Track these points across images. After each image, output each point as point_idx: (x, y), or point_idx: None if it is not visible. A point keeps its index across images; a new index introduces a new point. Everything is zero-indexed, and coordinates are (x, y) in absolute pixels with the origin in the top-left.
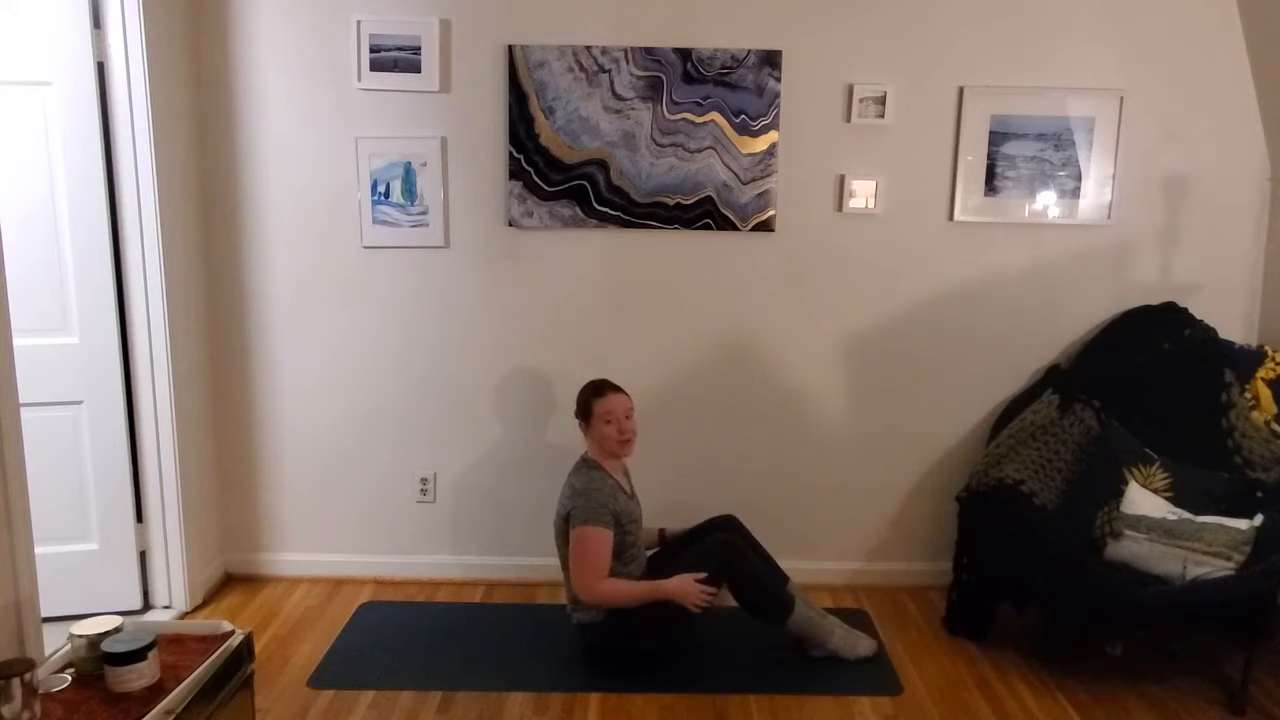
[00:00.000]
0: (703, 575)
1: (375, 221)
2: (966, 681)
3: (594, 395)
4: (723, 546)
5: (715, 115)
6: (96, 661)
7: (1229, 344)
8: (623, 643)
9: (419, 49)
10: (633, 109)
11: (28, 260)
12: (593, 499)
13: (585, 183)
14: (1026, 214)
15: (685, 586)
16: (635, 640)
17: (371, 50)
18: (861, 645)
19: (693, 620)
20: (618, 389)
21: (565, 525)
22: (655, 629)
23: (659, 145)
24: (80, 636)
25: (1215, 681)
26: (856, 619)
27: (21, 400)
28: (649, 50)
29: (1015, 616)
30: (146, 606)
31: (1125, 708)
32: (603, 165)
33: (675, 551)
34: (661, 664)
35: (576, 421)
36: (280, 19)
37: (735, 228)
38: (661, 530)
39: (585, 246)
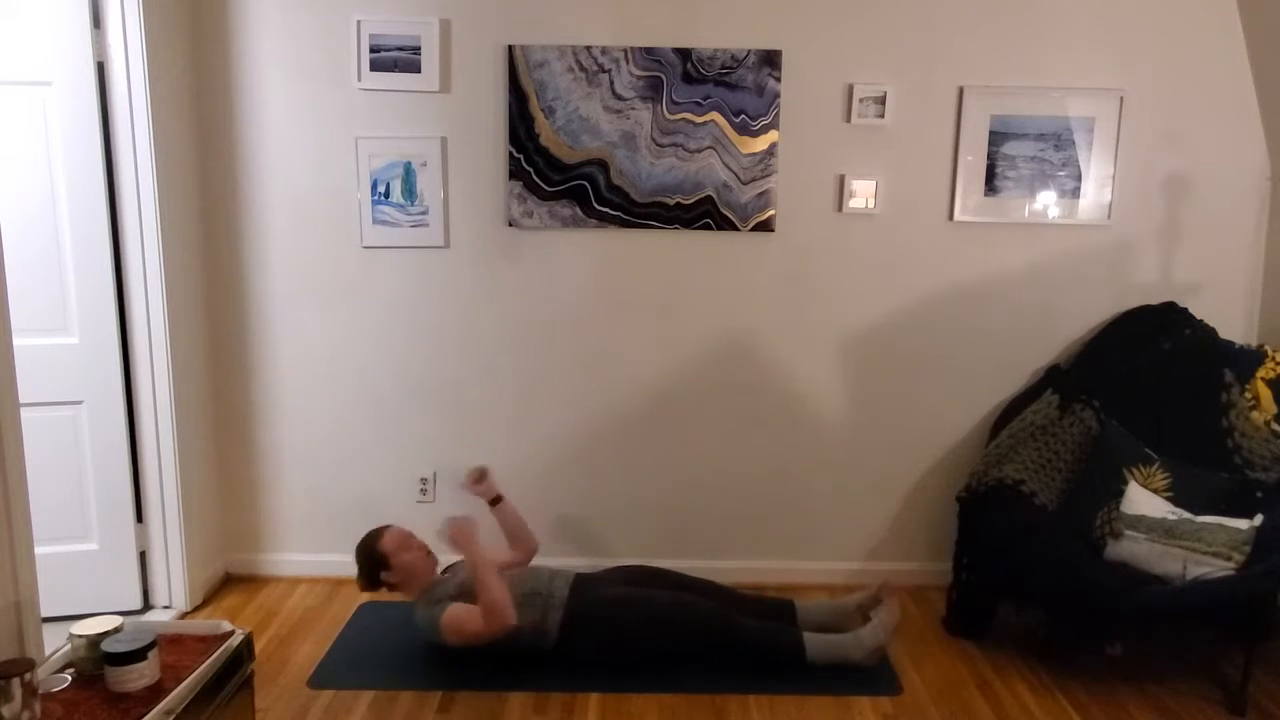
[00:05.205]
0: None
1: (375, 221)
2: (966, 681)
3: (374, 542)
4: (709, 617)
5: (715, 115)
6: (96, 661)
7: (1229, 344)
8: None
9: (419, 49)
10: (633, 109)
11: (28, 260)
12: (433, 607)
13: (585, 183)
14: (1026, 214)
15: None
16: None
17: (371, 50)
18: (868, 639)
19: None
20: (384, 528)
21: (439, 634)
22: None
23: (659, 145)
24: (80, 636)
25: (1215, 681)
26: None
27: (21, 400)
28: (649, 50)
29: (1015, 616)
30: (146, 606)
31: (1125, 708)
32: (603, 165)
33: (606, 614)
34: (663, 665)
35: (364, 581)
36: (280, 19)
37: (735, 228)
38: (497, 497)
39: (585, 246)
